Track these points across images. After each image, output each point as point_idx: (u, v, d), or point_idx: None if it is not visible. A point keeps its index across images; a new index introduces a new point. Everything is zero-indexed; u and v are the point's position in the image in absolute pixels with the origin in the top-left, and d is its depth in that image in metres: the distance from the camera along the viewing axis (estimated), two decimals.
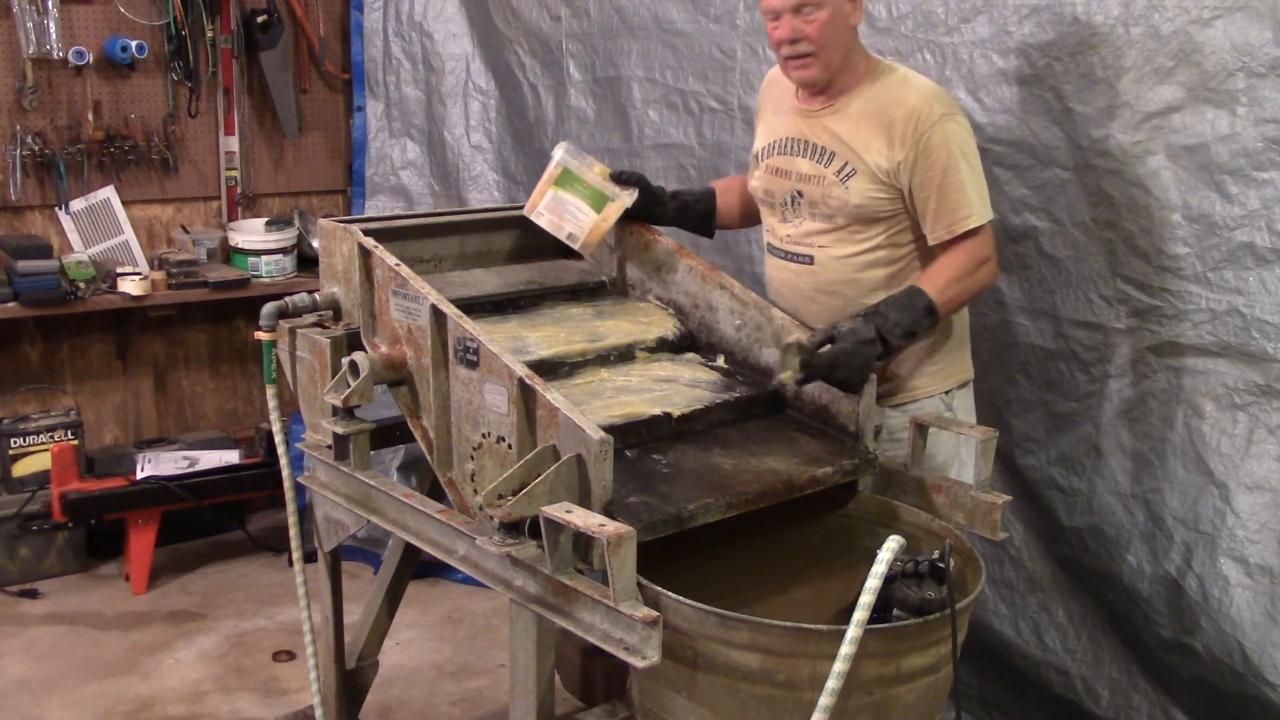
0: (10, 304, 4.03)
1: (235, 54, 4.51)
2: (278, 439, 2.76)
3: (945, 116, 2.49)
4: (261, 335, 2.66)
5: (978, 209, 2.48)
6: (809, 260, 2.64)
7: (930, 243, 2.54)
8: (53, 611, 4.03)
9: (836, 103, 2.60)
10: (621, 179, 2.76)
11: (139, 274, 4.21)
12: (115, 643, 3.82)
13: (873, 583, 1.89)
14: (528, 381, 2.13)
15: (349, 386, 2.42)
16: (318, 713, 2.87)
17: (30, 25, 4.08)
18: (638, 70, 3.89)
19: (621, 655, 1.88)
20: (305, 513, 2.86)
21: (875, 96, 2.56)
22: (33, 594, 4.10)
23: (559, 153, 2.76)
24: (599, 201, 2.73)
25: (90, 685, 3.57)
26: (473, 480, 2.31)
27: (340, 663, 2.90)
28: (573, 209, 2.73)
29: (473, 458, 2.30)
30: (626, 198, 2.74)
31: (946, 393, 2.68)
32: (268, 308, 2.64)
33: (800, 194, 2.63)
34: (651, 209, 2.81)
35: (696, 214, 2.89)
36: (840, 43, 2.54)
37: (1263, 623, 2.57)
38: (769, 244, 2.75)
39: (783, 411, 2.51)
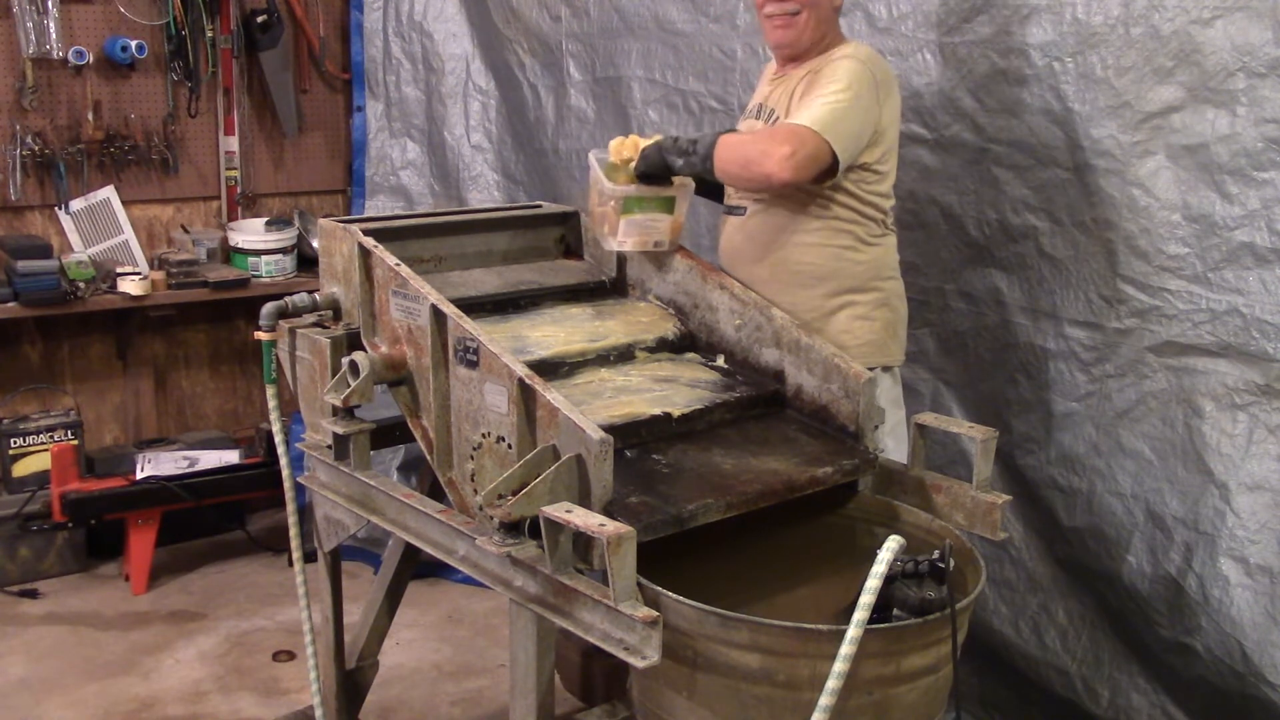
0: (10, 304, 4.03)
1: (235, 54, 4.51)
2: (278, 439, 2.76)
3: (848, 57, 2.62)
4: (261, 335, 2.66)
5: (812, 116, 2.53)
6: (743, 211, 2.79)
7: None
8: (53, 611, 4.03)
9: (796, 70, 2.75)
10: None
11: (139, 274, 4.21)
12: (115, 643, 3.83)
13: (873, 583, 1.89)
14: (528, 381, 2.13)
15: (349, 386, 2.42)
16: (318, 713, 2.87)
17: (30, 25, 4.08)
18: (638, 70, 3.89)
19: (621, 655, 1.88)
20: (305, 513, 2.86)
21: (817, 62, 2.70)
22: (33, 594, 4.10)
23: (605, 184, 2.72)
24: (667, 204, 2.75)
25: (90, 685, 3.57)
26: (473, 480, 2.31)
27: (340, 663, 2.90)
28: (648, 224, 2.75)
29: (473, 458, 2.30)
30: (686, 183, 2.77)
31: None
32: (268, 308, 2.64)
33: None
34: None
35: None
36: (824, 11, 2.69)
37: (1263, 623, 2.57)
38: (724, 205, 2.88)
39: (783, 411, 2.51)
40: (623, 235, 2.74)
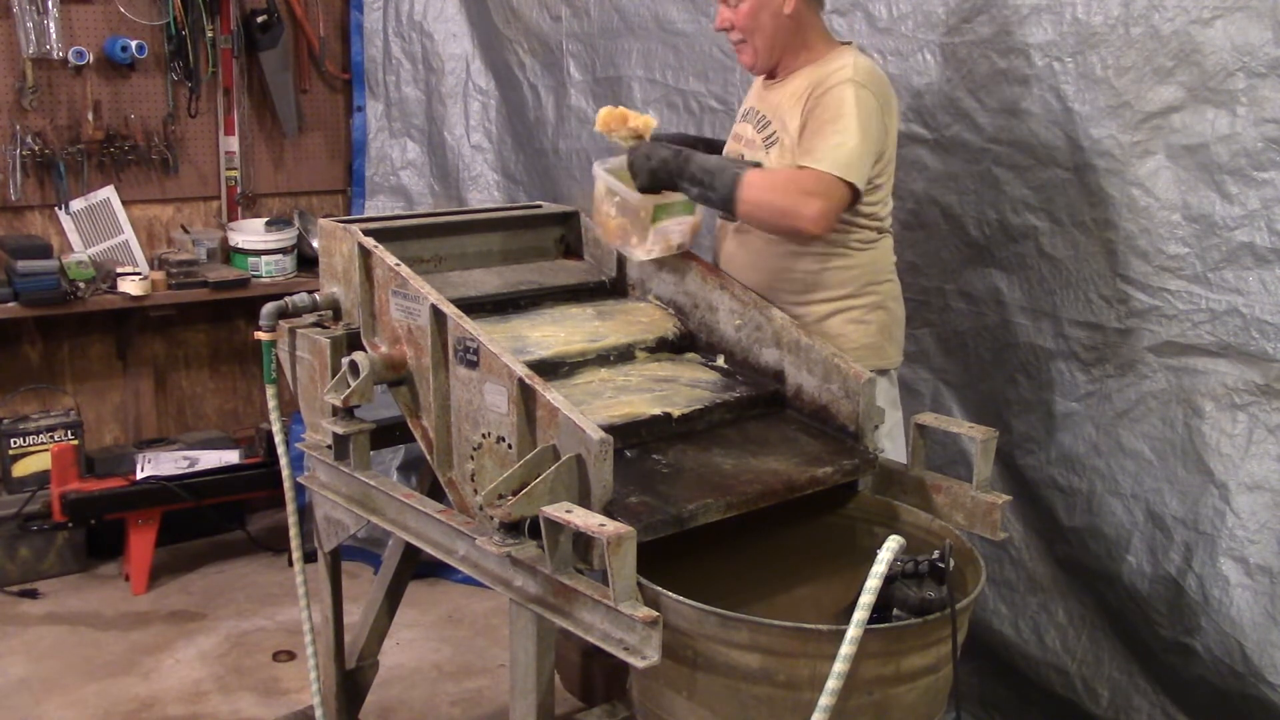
0: (10, 304, 4.03)
1: (235, 54, 4.51)
2: (278, 439, 2.76)
3: (848, 82, 2.57)
4: (261, 335, 2.67)
5: (827, 156, 2.51)
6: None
7: None
8: (53, 611, 4.03)
9: (783, 80, 2.73)
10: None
11: (139, 274, 4.21)
12: (115, 643, 3.83)
13: (873, 583, 1.89)
14: (528, 381, 2.14)
15: (349, 386, 2.42)
16: (318, 713, 2.87)
17: (30, 25, 4.08)
18: (638, 70, 3.89)
19: (621, 655, 1.88)
20: (305, 513, 2.86)
21: (810, 76, 2.66)
22: (33, 594, 4.10)
23: (630, 195, 2.66)
24: (691, 206, 2.72)
25: (90, 685, 3.57)
26: (473, 480, 2.31)
27: (340, 663, 2.90)
28: (674, 228, 2.71)
29: (473, 458, 2.30)
30: None
31: None
32: (268, 308, 2.64)
33: (743, 157, 2.75)
34: None
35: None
36: (766, 31, 2.67)
37: (1263, 623, 2.57)
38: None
39: (783, 411, 2.51)
40: (651, 243, 2.69)
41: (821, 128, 2.55)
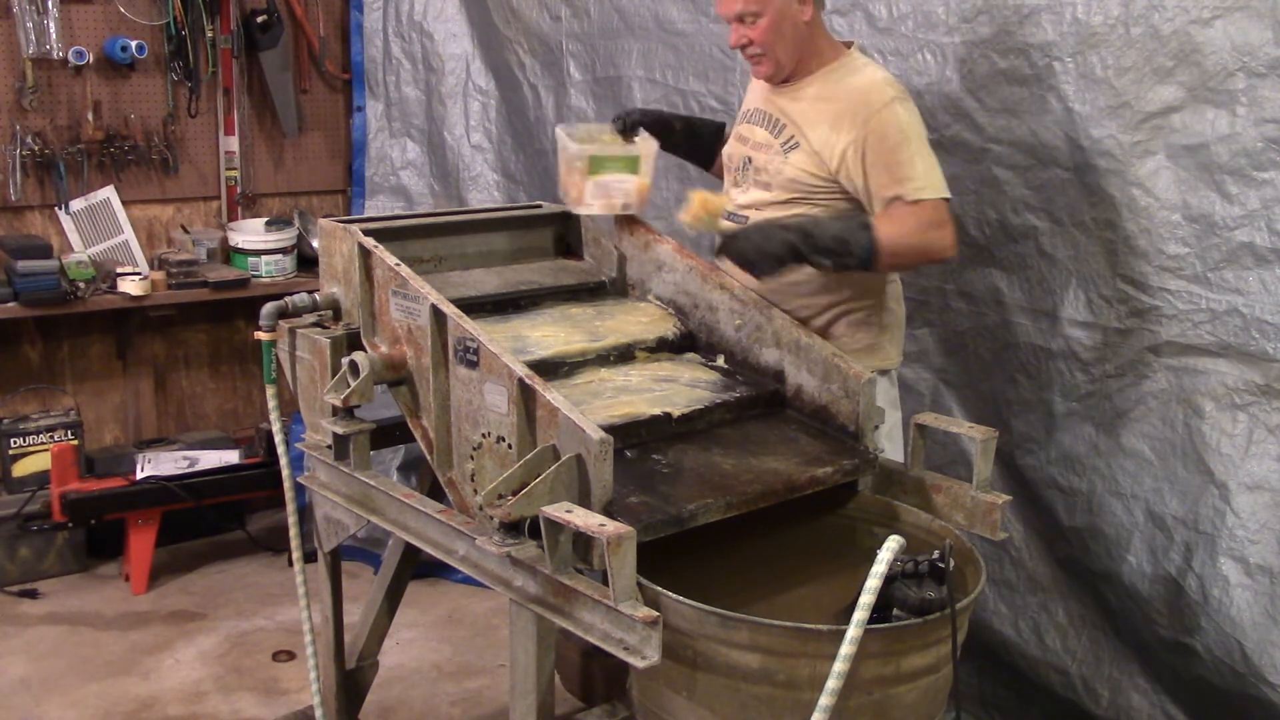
0: (10, 304, 4.03)
1: (235, 54, 4.51)
2: (278, 439, 2.76)
3: (895, 100, 2.60)
4: (261, 335, 2.66)
5: (926, 183, 2.55)
6: (744, 220, 2.74)
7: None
8: (53, 611, 4.03)
9: (797, 85, 2.73)
10: (628, 126, 2.84)
11: (139, 274, 4.21)
12: (115, 643, 3.83)
13: (873, 583, 1.89)
14: (528, 381, 2.14)
15: (349, 386, 2.42)
16: (318, 713, 2.87)
17: (30, 25, 4.08)
18: (638, 70, 3.89)
19: (621, 655, 1.88)
20: (305, 513, 2.86)
21: (830, 84, 2.68)
22: (33, 594, 4.10)
23: (570, 145, 2.75)
24: (633, 165, 2.75)
25: (90, 685, 3.57)
26: (473, 480, 2.31)
27: (340, 663, 2.90)
28: (615, 185, 2.73)
29: (473, 458, 2.30)
30: (650, 145, 2.78)
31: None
32: (268, 308, 2.64)
33: (750, 160, 2.78)
34: (663, 138, 2.89)
35: (705, 137, 3.00)
36: (788, 41, 2.68)
37: (1263, 623, 2.57)
38: (726, 212, 2.81)
39: (783, 411, 2.51)
40: (590, 198, 2.73)
41: (895, 154, 2.56)
